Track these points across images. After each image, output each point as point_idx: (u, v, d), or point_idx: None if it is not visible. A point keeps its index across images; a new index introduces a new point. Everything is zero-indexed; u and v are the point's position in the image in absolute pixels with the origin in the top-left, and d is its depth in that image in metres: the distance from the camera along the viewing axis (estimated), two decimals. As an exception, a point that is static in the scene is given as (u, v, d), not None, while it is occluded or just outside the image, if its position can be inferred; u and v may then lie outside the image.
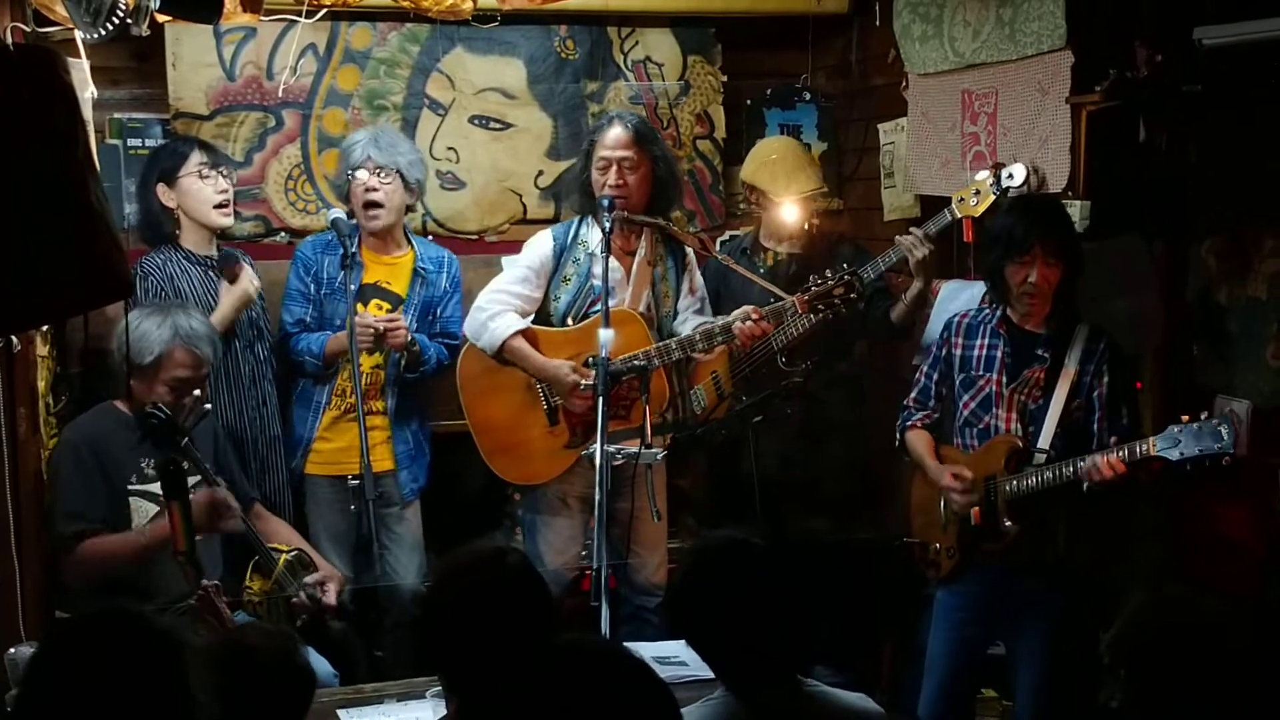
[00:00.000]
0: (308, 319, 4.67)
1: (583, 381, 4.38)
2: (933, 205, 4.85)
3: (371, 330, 4.47)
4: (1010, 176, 4.24)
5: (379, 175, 4.61)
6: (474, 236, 5.37)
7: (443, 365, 4.73)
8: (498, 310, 4.52)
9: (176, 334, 4.02)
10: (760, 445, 4.55)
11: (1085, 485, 3.72)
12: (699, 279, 4.70)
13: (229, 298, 4.52)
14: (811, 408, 4.77)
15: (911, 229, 4.49)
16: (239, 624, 3.99)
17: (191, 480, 3.88)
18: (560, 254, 4.56)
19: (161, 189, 4.54)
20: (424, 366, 4.68)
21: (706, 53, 5.59)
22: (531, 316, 4.58)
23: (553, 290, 4.57)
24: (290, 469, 4.70)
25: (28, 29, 3.91)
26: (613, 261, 4.40)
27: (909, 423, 4.23)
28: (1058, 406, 3.88)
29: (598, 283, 4.43)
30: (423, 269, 4.75)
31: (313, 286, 4.67)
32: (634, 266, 4.53)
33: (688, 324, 4.59)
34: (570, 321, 4.53)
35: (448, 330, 4.79)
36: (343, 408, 4.65)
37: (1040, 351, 3.93)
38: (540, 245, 4.61)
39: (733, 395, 4.66)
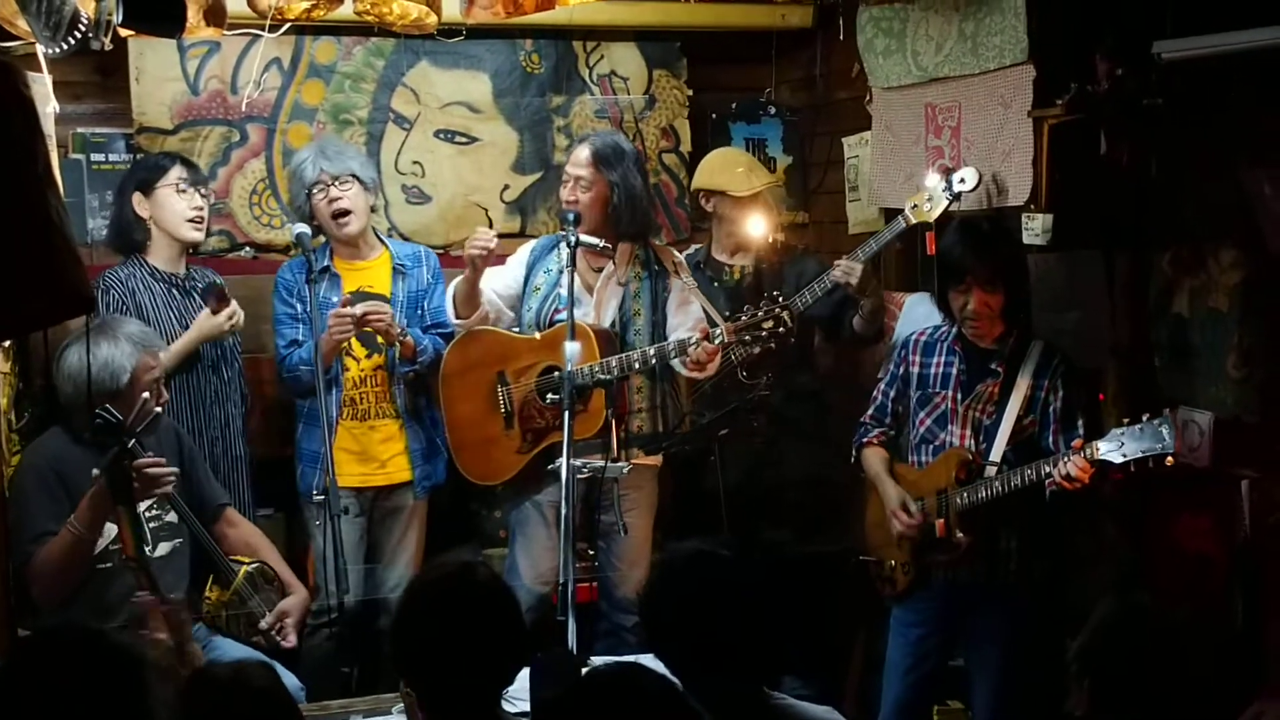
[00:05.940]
0: (299, 338, 4.65)
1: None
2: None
3: (348, 319, 4.45)
4: (962, 181, 4.25)
5: (337, 184, 4.61)
6: (439, 250, 5.35)
7: (440, 355, 4.71)
8: None
9: (134, 345, 4.01)
10: (725, 459, 4.55)
11: (1048, 492, 3.73)
12: (693, 303, 4.58)
13: (199, 327, 4.47)
14: (775, 420, 4.77)
15: (841, 259, 4.50)
16: (217, 648, 4.02)
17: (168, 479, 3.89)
18: (533, 264, 4.63)
19: (138, 198, 4.53)
20: (421, 358, 4.67)
21: (672, 67, 5.60)
22: (505, 316, 4.64)
23: (525, 299, 4.62)
24: (310, 488, 4.62)
25: (-12, 43, 3.88)
26: (578, 277, 4.42)
27: (865, 439, 4.25)
28: (1009, 421, 3.89)
29: (563, 293, 4.45)
30: (401, 265, 4.77)
31: (298, 306, 4.65)
32: (598, 282, 4.53)
33: None
34: (537, 330, 4.55)
35: (439, 320, 4.77)
36: (355, 415, 4.66)
37: (994, 366, 3.95)
38: (520, 252, 4.72)
39: (691, 411, 4.67)
